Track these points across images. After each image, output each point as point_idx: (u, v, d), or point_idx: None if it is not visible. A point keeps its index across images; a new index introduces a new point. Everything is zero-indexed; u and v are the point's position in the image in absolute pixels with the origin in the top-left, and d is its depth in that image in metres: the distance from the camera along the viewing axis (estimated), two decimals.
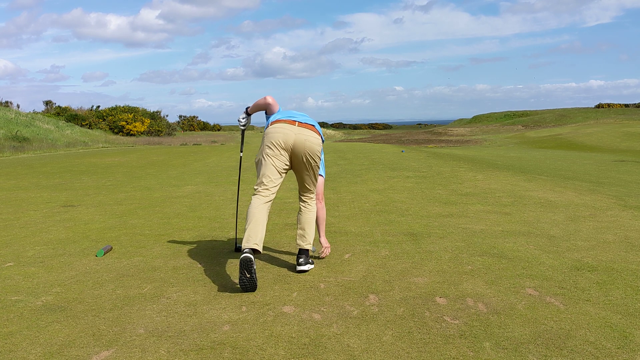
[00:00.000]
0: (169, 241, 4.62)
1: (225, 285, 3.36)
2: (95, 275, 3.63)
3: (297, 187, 3.79)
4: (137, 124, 42.15)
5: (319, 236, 3.96)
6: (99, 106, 46.78)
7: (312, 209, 3.72)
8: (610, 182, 9.02)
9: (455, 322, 2.69)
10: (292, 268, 3.69)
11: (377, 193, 7.13)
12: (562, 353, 2.33)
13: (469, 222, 5.08)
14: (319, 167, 3.68)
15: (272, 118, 3.67)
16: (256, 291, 3.22)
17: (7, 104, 40.23)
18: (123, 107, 44.60)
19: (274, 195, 3.46)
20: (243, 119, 3.89)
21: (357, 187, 7.83)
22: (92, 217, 5.84)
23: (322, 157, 3.76)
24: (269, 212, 3.45)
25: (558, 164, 14.62)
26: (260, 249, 3.25)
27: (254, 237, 3.24)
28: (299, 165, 3.56)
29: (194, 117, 68.26)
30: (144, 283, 3.43)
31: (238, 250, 3.88)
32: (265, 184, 3.43)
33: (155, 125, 44.28)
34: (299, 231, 3.67)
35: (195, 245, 4.47)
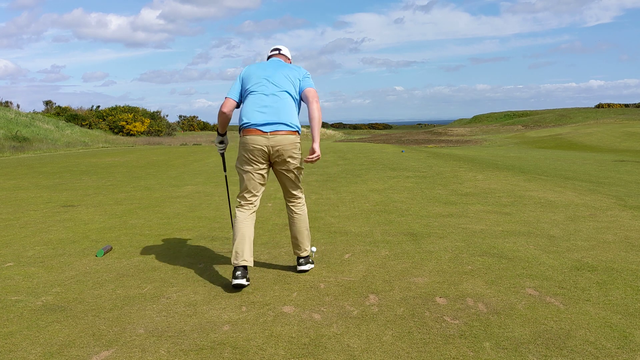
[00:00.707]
0: (169, 241, 4.62)
1: (225, 285, 3.36)
2: (95, 275, 3.63)
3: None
4: (137, 124, 42.16)
5: (313, 142, 3.42)
6: (99, 106, 46.83)
7: (301, 217, 3.58)
8: (610, 182, 9.02)
9: (455, 322, 2.69)
10: (292, 268, 3.69)
11: (377, 193, 7.13)
12: (562, 353, 2.33)
13: (469, 222, 5.08)
14: (299, 167, 3.48)
15: (242, 116, 3.40)
16: (256, 291, 3.23)
17: (7, 104, 40.25)
18: (123, 107, 44.60)
19: (257, 204, 3.47)
20: (220, 143, 3.74)
21: (357, 187, 7.83)
22: (92, 217, 5.84)
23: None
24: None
25: (558, 164, 14.63)
26: (250, 263, 3.30)
27: (242, 254, 3.28)
28: (278, 173, 3.47)
29: (194, 117, 68.33)
30: (144, 283, 3.44)
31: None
32: (248, 198, 3.42)
33: (155, 125, 44.29)
34: (293, 240, 3.61)
35: (195, 245, 4.47)
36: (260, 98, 3.38)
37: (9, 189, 8.41)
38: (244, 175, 3.41)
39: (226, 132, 3.69)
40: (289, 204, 3.59)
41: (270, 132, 3.31)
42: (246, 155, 3.37)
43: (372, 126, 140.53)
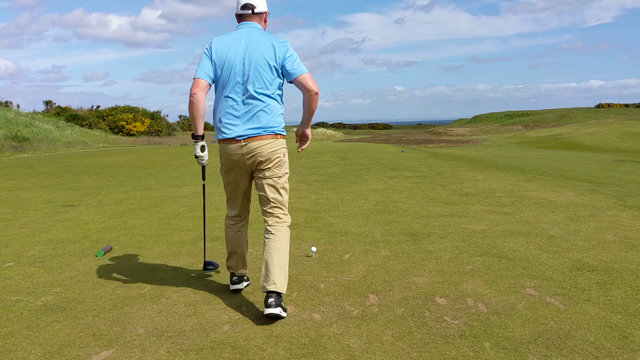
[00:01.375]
0: (169, 241, 4.62)
1: (225, 285, 3.36)
2: (95, 275, 3.63)
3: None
4: (137, 124, 42.16)
5: (304, 127, 3.07)
6: (99, 106, 46.81)
7: (277, 238, 2.88)
8: (610, 182, 9.02)
9: (455, 322, 2.69)
10: (292, 268, 3.69)
11: (377, 193, 7.13)
12: (562, 353, 2.33)
13: (469, 222, 5.08)
14: (281, 167, 2.97)
15: (217, 111, 3.00)
16: (256, 291, 3.23)
17: (7, 104, 40.24)
18: (123, 107, 44.60)
19: (248, 210, 3.26)
20: (202, 152, 3.11)
21: (357, 187, 7.83)
22: (92, 217, 5.84)
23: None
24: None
25: (558, 164, 14.62)
26: (245, 272, 3.29)
27: (235, 267, 3.24)
28: (257, 180, 2.99)
29: None
30: (144, 283, 3.44)
31: (206, 267, 3.71)
32: (234, 209, 3.19)
33: (155, 125, 44.29)
34: (263, 269, 2.84)
35: (195, 245, 4.47)
36: (234, 107, 2.92)
37: (9, 189, 8.40)
38: (226, 186, 3.14)
39: (204, 134, 3.10)
40: (266, 218, 3.00)
41: (244, 139, 2.89)
42: (225, 167, 3.05)
43: (372, 126, 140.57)
